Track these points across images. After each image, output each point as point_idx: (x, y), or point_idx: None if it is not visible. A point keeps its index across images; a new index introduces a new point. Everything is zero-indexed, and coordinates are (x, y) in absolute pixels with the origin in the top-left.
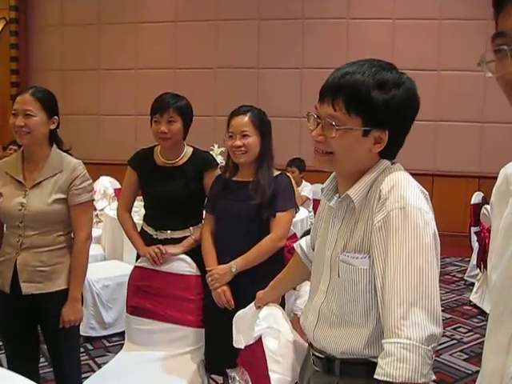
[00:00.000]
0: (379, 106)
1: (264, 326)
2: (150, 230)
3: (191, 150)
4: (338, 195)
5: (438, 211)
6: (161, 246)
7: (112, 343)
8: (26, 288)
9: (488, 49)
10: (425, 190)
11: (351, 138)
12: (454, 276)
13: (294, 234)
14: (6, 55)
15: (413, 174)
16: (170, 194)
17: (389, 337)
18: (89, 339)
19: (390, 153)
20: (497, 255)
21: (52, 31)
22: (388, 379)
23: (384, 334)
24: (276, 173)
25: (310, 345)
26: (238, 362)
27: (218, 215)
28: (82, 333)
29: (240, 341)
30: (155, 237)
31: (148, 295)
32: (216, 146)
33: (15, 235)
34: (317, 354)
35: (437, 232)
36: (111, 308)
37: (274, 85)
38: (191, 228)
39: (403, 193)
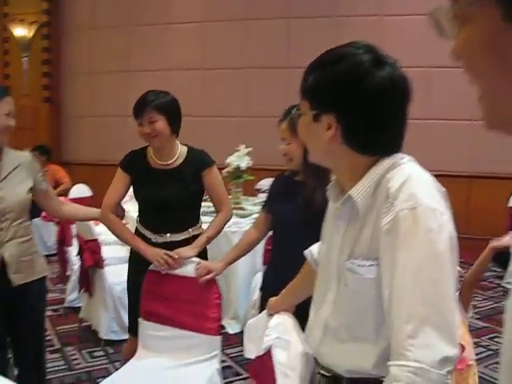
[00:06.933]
0: None
1: (273, 336)
2: (147, 234)
3: (186, 149)
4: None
5: (476, 215)
6: (170, 253)
7: None
8: (17, 279)
9: None
10: (442, 188)
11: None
12: (491, 282)
13: None
14: (39, 58)
15: (448, 176)
16: (169, 198)
17: (395, 358)
18: (110, 342)
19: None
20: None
21: (82, 34)
22: None
23: (390, 354)
24: None
25: (316, 361)
26: (250, 373)
27: (276, 218)
28: (103, 336)
29: (251, 350)
30: (154, 240)
31: (162, 300)
32: (243, 146)
33: None
34: (322, 372)
35: (454, 236)
36: None
37: None
38: (190, 229)
39: (414, 190)
